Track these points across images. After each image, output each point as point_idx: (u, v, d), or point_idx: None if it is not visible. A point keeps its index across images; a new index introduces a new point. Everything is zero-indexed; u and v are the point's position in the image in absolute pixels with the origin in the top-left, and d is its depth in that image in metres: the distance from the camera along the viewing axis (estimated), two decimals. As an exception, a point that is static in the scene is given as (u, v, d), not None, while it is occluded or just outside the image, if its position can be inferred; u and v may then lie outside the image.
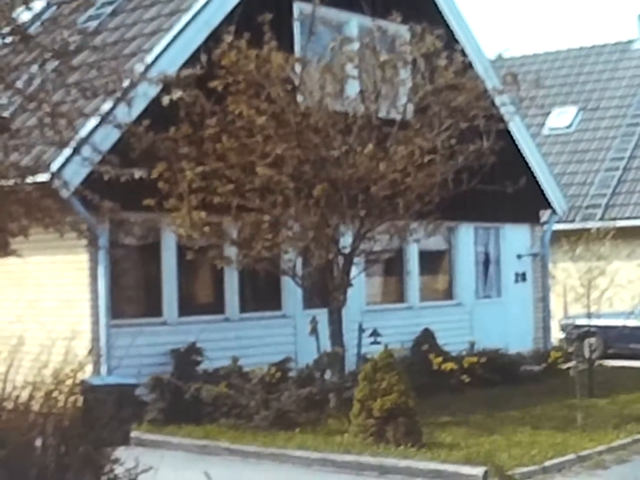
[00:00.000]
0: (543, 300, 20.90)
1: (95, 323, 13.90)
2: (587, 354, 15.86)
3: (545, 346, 20.21)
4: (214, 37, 14.45)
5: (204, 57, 13.75)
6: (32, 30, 11.45)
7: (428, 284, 19.16)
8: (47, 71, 9.59)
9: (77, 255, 13.86)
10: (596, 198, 26.56)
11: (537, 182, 20.30)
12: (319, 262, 14.02)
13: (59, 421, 7.43)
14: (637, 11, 56.03)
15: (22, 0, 8.83)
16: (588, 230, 16.98)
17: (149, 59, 14.45)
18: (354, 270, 14.47)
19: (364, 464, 11.10)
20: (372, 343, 16.01)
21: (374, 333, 16.41)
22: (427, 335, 17.82)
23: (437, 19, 17.36)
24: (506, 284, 20.26)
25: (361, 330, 16.03)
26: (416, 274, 18.47)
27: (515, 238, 20.41)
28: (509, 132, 18.52)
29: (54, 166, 12.86)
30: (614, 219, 24.73)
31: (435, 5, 18.47)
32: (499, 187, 15.70)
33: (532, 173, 19.95)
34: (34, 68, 9.57)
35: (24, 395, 7.56)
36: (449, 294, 19.44)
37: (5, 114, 9.63)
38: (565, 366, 15.47)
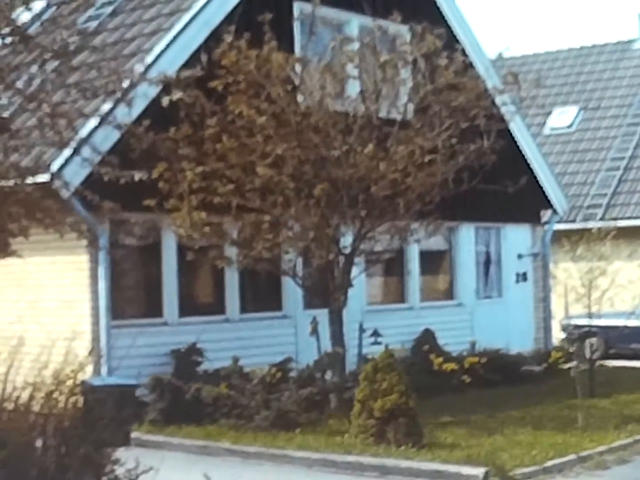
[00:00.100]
0: (544, 301, 20.89)
1: (96, 324, 13.90)
2: (588, 354, 15.85)
3: (546, 346, 20.19)
4: (214, 37, 14.44)
5: (204, 57, 13.75)
6: (32, 30, 11.47)
7: (429, 284, 19.15)
8: (47, 71, 9.59)
9: (77, 256, 13.85)
10: (597, 198, 26.55)
11: (537, 182, 20.29)
12: (319, 262, 14.00)
13: (60, 422, 7.43)
14: (637, 10, 56.02)
15: (22, 1, 8.83)
16: (589, 230, 16.94)
17: (149, 59, 14.44)
18: (354, 271, 14.46)
19: (364, 464, 11.09)
20: (373, 343, 16.01)
21: (375, 333, 16.41)
22: (427, 336, 17.81)
23: (437, 18, 17.35)
24: (507, 284, 20.25)
25: (362, 330, 16.02)
26: (417, 274, 18.47)
27: (516, 238, 20.40)
28: (509, 132, 18.50)
29: (54, 167, 12.86)
30: (615, 218, 24.72)
31: (436, 5, 18.45)
32: (500, 187, 15.68)
33: (532, 173, 19.94)
34: (34, 68, 9.56)
35: (25, 395, 7.56)
36: (449, 294, 19.43)
37: (5, 115, 9.62)
38: (566, 366, 15.48)
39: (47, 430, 7.39)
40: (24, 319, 14.37)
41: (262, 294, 16.10)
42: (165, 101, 13.09)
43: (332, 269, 14.18)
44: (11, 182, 9.20)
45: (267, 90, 13.58)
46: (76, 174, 12.66)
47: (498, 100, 16.16)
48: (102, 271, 13.83)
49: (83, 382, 8.07)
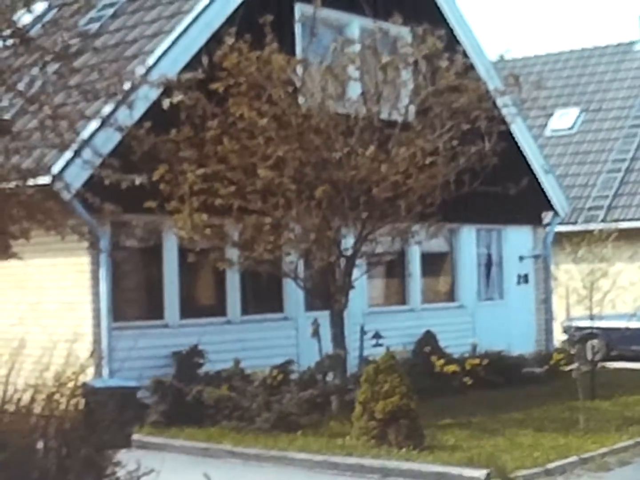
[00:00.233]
0: (545, 302, 20.87)
1: (97, 325, 13.89)
2: (589, 356, 15.84)
3: (548, 348, 20.18)
4: (215, 39, 14.44)
5: (205, 59, 13.74)
6: (33, 32, 11.44)
7: (430, 286, 19.14)
8: (48, 73, 9.59)
9: (78, 258, 13.85)
10: (598, 200, 26.54)
11: (539, 184, 20.28)
12: (320, 264, 14.00)
13: (61, 424, 7.43)
14: (638, 12, 56.03)
15: (23, 3, 8.83)
16: (590, 232, 16.92)
17: (150, 61, 14.43)
18: (355, 273, 14.45)
19: (366, 466, 11.09)
20: (374, 345, 16.01)
21: (376, 335, 16.41)
22: (429, 338, 17.80)
23: (438, 20, 17.32)
24: (508, 286, 20.24)
25: (363, 332, 16.02)
26: (418, 276, 18.46)
27: (518, 240, 20.39)
28: (510, 134, 18.50)
29: (55, 169, 12.85)
30: (616, 220, 24.67)
31: (437, 6, 18.45)
32: (501, 188, 15.67)
33: (534, 174, 19.93)
34: (35, 70, 9.55)
35: (26, 397, 7.56)
36: (451, 296, 19.42)
37: (7, 117, 9.63)
38: (567, 368, 15.43)
39: (48, 433, 7.39)
40: (25, 321, 14.37)
41: (263, 296, 16.09)
42: (166, 103, 13.09)
43: (333, 271, 14.17)
44: (12, 184, 9.20)
45: (268, 92, 13.58)
46: (77, 176, 12.66)
47: (499, 102, 16.17)
48: (103, 273, 13.83)
49: (84, 384, 8.08)
